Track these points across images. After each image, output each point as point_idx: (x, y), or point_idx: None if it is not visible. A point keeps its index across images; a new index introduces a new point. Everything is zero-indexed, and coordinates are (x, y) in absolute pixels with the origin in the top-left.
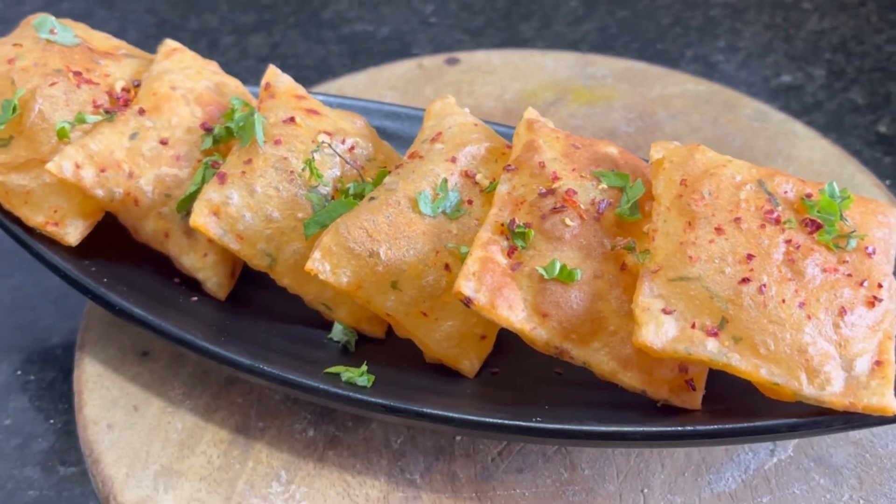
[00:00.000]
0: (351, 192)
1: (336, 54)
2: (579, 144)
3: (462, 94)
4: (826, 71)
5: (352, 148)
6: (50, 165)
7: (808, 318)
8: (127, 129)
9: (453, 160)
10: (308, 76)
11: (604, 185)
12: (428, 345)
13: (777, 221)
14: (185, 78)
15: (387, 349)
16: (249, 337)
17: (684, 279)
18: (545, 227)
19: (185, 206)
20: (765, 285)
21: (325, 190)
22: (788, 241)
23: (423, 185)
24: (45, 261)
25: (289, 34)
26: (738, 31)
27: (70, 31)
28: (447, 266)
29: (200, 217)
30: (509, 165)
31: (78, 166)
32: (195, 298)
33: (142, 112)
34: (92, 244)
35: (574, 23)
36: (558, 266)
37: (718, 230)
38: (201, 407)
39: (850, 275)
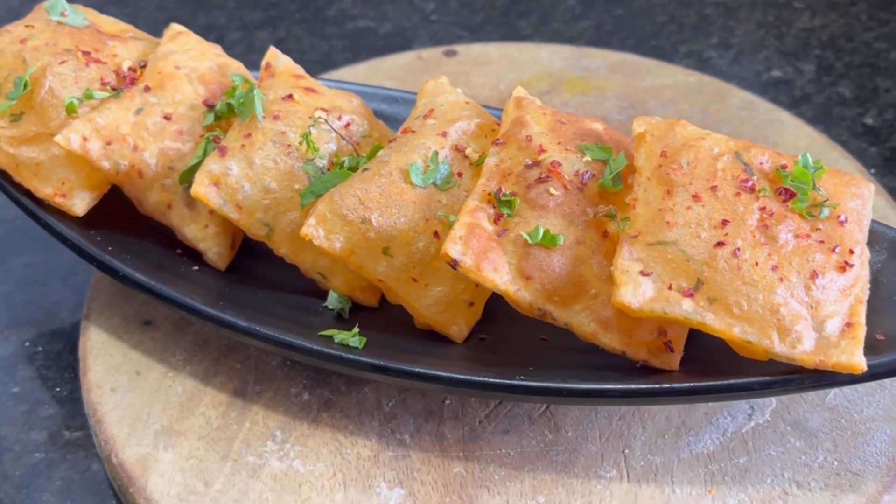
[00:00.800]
0: (346, 164)
1: (339, 49)
2: (565, 120)
3: (459, 84)
4: (816, 66)
5: (348, 124)
6: (58, 138)
7: (781, 280)
8: (132, 104)
9: (444, 135)
10: (311, 69)
11: (588, 158)
12: (418, 310)
13: (752, 190)
14: (189, 59)
15: (379, 316)
16: (248, 303)
17: (662, 243)
18: (530, 196)
19: (187, 177)
20: (739, 249)
21: (321, 163)
22: (763, 209)
23: (414, 157)
24: (53, 230)
25: (294, 30)
26: (730, 29)
27: (80, 14)
28: (436, 233)
29: (201, 187)
30: (498, 140)
31: (85, 139)
32: (196, 268)
33: (147, 89)
34: (98, 216)
35: (571, 20)
36: (542, 231)
37: (695, 197)
38: (201, 372)
39: (822, 241)
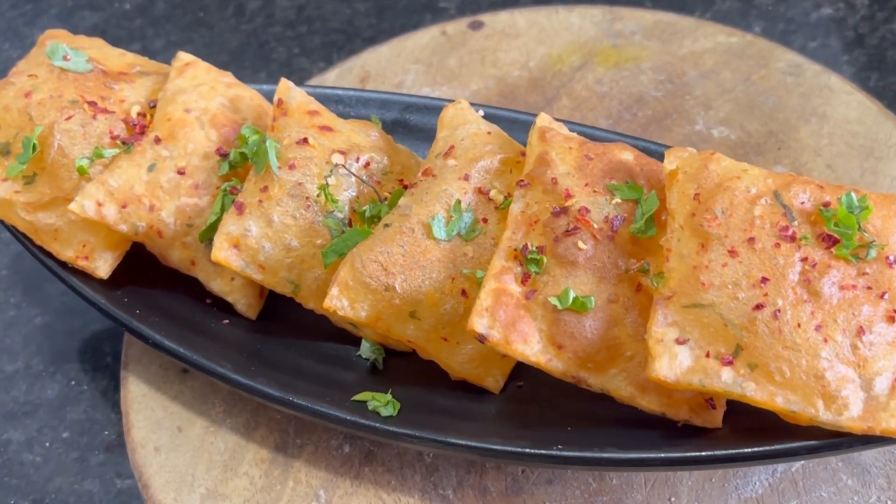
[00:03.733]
0: (367, 214)
1: (362, 13)
2: (592, 154)
3: (486, 64)
4: (869, 0)
5: (367, 164)
6: (73, 206)
7: (825, 341)
8: (144, 160)
9: (466, 178)
10: (335, 39)
11: (618, 200)
12: (451, 367)
13: (793, 238)
14: (199, 97)
15: (413, 365)
16: (280, 361)
17: (698, 306)
18: (559, 252)
19: (207, 235)
20: (779, 310)
21: (342, 214)
22: (804, 259)
23: (436, 207)
24: (79, 293)
25: None
26: None
27: (83, 56)
28: (464, 292)
29: (222, 251)
30: (522, 181)
31: (100, 204)
32: (227, 321)
33: (157, 141)
34: (123, 272)
35: None
36: (572, 295)
37: (732, 253)
38: (241, 425)
39: (869, 287)
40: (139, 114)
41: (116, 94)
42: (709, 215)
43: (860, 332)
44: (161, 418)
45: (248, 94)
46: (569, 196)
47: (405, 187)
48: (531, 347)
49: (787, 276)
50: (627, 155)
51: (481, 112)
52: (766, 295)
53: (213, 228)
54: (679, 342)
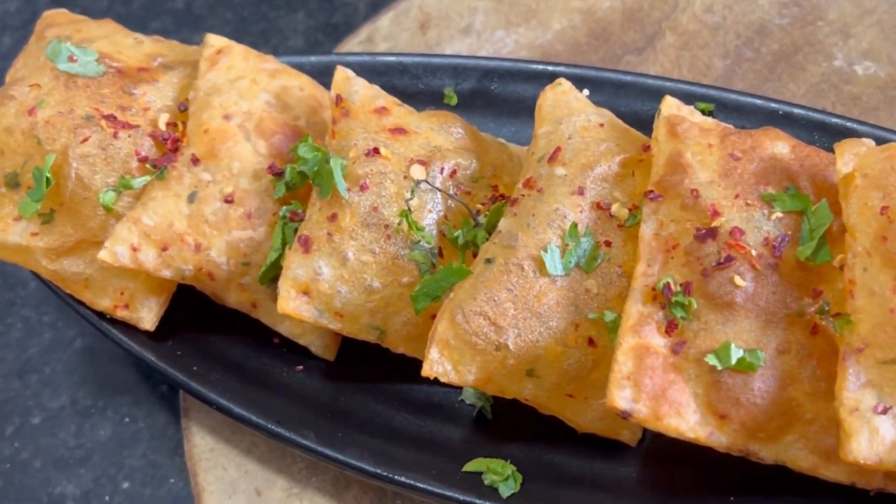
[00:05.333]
0: (460, 241)
1: None
2: (739, 152)
3: None
4: None
5: (453, 172)
6: (103, 254)
7: None
8: (182, 188)
9: (580, 192)
10: None
11: (778, 213)
12: (579, 424)
13: None
14: (239, 97)
15: (529, 411)
16: (370, 418)
17: None
18: (710, 290)
19: (269, 276)
20: None
21: (430, 244)
22: None
23: (547, 234)
24: (123, 348)
25: None
26: None
27: (92, 55)
28: (591, 340)
29: (289, 301)
30: (651, 191)
31: (135, 249)
32: (300, 367)
33: (195, 161)
34: (172, 314)
35: None
36: (735, 353)
37: None
38: (329, 484)
39: None
40: (169, 123)
41: (138, 100)
42: None
43: None
44: (235, 479)
45: (297, 83)
46: (716, 214)
47: (502, 197)
48: (687, 420)
49: None
50: (782, 146)
51: (585, 92)
52: None
53: (274, 267)
54: (879, 411)
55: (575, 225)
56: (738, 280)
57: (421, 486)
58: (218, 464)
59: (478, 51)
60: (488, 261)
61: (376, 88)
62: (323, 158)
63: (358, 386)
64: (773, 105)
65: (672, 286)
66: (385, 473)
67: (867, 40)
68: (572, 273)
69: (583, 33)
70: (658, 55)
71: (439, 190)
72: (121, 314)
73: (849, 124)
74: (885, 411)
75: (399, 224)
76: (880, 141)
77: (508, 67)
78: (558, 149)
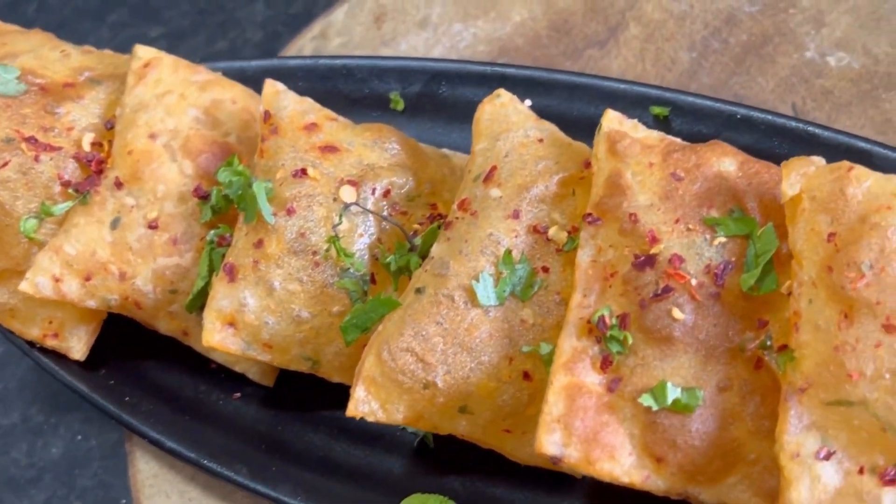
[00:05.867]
0: (392, 266)
1: None
2: (682, 171)
3: None
4: None
5: (387, 192)
6: (24, 286)
7: None
8: (105, 214)
9: (516, 215)
10: None
11: (721, 238)
12: (519, 458)
13: None
14: (166, 114)
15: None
16: (307, 450)
17: (844, 403)
18: (647, 324)
19: (197, 304)
20: None
21: (361, 270)
22: None
23: (480, 262)
24: (56, 378)
25: None
26: None
27: (13, 72)
28: (526, 375)
29: (214, 334)
30: (589, 215)
31: (57, 280)
32: (238, 395)
33: (119, 185)
34: (105, 341)
35: None
36: (671, 392)
37: (888, 328)
38: None
39: None
40: (94, 143)
41: (62, 119)
42: (852, 272)
43: None
44: None
45: (230, 95)
46: (654, 240)
47: (441, 216)
48: (621, 464)
49: None
50: (729, 163)
51: (528, 102)
52: None
53: (202, 295)
54: (822, 456)
55: (509, 252)
56: (676, 313)
57: None
58: (161, 490)
59: (434, 45)
60: (418, 290)
61: (308, 102)
62: (245, 182)
63: (297, 414)
64: (732, 108)
65: (607, 319)
66: None
67: (841, 29)
68: (507, 302)
69: (543, 25)
70: (621, 48)
71: (371, 212)
72: (50, 343)
73: (810, 129)
74: (828, 456)
75: (327, 250)
76: (842, 148)
77: (457, 70)
78: (494, 168)
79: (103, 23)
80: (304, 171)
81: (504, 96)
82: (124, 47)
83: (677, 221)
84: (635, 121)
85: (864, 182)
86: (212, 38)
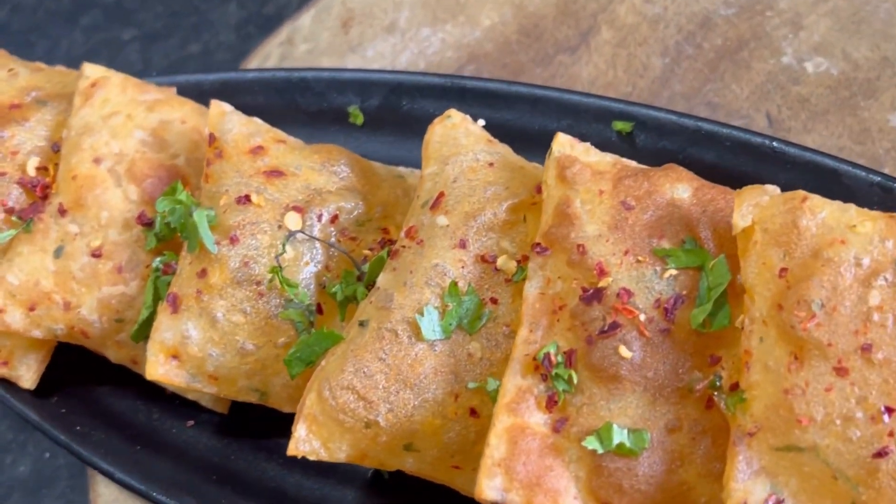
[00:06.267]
0: (339, 297)
1: None
2: (633, 200)
3: None
4: None
5: (334, 218)
6: None
7: None
8: (48, 242)
9: (462, 244)
10: None
11: (672, 271)
12: (472, 493)
13: None
14: (111, 136)
15: None
16: (258, 481)
17: (794, 449)
18: (594, 362)
19: (143, 334)
20: None
21: (307, 300)
22: None
23: (425, 295)
24: (8, 407)
25: None
26: None
27: None
28: (473, 411)
29: (157, 368)
30: (538, 245)
31: (1, 310)
32: (191, 423)
33: (63, 212)
34: (57, 367)
35: None
36: (617, 435)
37: (840, 371)
38: None
39: None
40: (39, 168)
41: (6, 143)
42: (802, 311)
43: None
44: None
45: (179, 115)
46: (602, 273)
47: (391, 242)
48: None
49: None
50: (683, 190)
51: (481, 122)
52: (891, 433)
53: (147, 325)
54: None
55: (455, 283)
56: (623, 350)
57: None
58: None
59: (401, 51)
60: (362, 324)
61: (255, 124)
62: (186, 211)
63: (251, 441)
64: (696, 124)
65: (552, 356)
66: None
67: (820, 32)
68: (453, 336)
69: (513, 30)
70: (592, 54)
71: (317, 239)
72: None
73: (776, 145)
74: None
75: (271, 280)
76: (809, 167)
77: (417, 82)
78: (441, 194)
79: (76, 25)
80: (247, 198)
81: (455, 117)
82: (97, 51)
83: (626, 253)
84: (587, 144)
85: (818, 213)
86: (185, 41)
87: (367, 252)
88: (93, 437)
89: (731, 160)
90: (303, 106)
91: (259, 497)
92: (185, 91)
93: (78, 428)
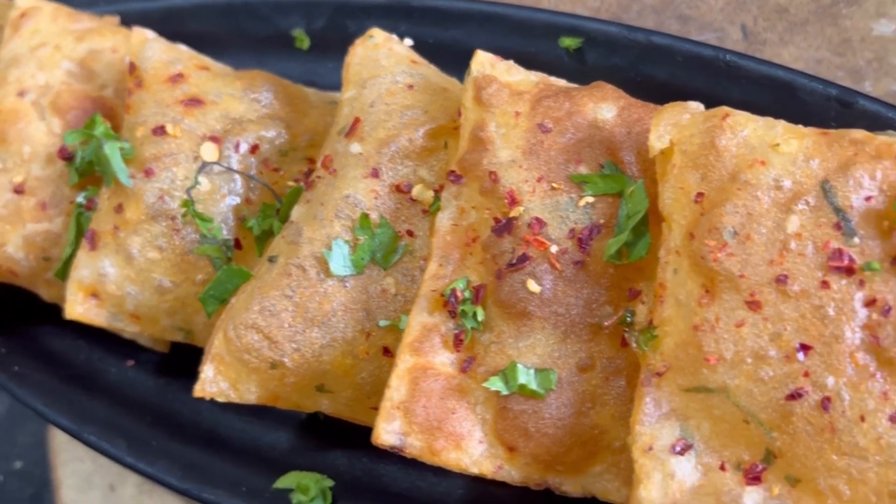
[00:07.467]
0: (256, 231)
1: None
2: (550, 122)
3: None
4: None
5: (255, 147)
6: None
7: None
8: None
9: (376, 174)
10: None
11: (589, 198)
12: None
13: (850, 271)
14: (38, 68)
15: None
16: (192, 423)
17: (703, 391)
18: (502, 297)
19: (67, 272)
20: (829, 398)
21: (221, 235)
22: (870, 304)
23: (335, 229)
24: None
25: None
26: None
27: None
28: (386, 350)
29: (76, 307)
30: (452, 172)
31: None
32: (132, 362)
33: None
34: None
35: None
36: (521, 374)
37: (752, 304)
38: None
39: None
40: None
41: None
42: (713, 240)
43: None
44: (91, 473)
45: (111, 44)
46: (514, 202)
47: (309, 174)
48: (469, 454)
49: (843, 337)
50: (607, 110)
51: (408, 41)
52: (807, 373)
53: (71, 262)
54: (678, 450)
55: (366, 215)
56: (531, 285)
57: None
58: (75, 455)
59: None
60: (271, 260)
61: (177, 51)
62: (97, 144)
63: (189, 381)
64: (649, 38)
65: (459, 292)
66: (191, 489)
67: None
68: (367, 271)
69: None
70: None
71: (234, 171)
72: None
73: (729, 58)
74: (684, 450)
75: (185, 214)
76: (763, 81)
77: (363, 2)
78: (357, 120)
79: None
80: (163, 129)
81: (378, 36)
82: None
83: (540, 179)
84: (510, 62)
85: (740, 131)
86: None
87: (290, 184)
88: (30, 378)
89: (684, 77)
90: (249, 31)
91: (192, 439)
92: (130, 20)
93: (16, 368)
